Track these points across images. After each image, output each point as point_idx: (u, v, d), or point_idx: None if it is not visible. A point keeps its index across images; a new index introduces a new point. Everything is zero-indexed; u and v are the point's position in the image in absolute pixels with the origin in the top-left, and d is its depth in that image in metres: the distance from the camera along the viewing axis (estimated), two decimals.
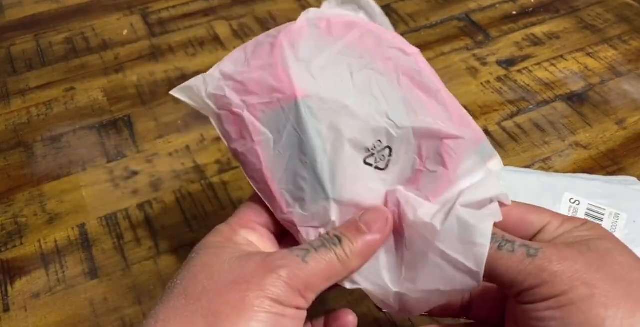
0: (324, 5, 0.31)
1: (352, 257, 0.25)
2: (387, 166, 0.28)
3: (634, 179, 0.44)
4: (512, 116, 0.52)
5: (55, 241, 0.43)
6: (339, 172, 0.27)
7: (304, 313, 0.25)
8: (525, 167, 0.47)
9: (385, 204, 0.27)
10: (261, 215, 0.28)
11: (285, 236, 0.29)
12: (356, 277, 0.27)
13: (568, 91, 0.54)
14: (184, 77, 0.57)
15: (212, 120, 0.30)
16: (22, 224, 0.44)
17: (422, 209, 0.26)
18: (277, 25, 0.62)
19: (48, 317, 0.39)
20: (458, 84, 0.55)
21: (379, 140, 0.28)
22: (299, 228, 0.27)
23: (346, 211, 0.27)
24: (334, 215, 0.27)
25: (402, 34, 0.61)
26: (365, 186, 0.27)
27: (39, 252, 0.42)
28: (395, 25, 0.62)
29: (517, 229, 0.26)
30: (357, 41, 0.29)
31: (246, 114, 0.28)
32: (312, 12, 0.30)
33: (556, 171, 0.46)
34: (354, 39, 0.29)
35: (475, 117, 0.51)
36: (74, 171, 0.48)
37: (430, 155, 0.27)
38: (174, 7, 0.66)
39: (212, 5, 0.66)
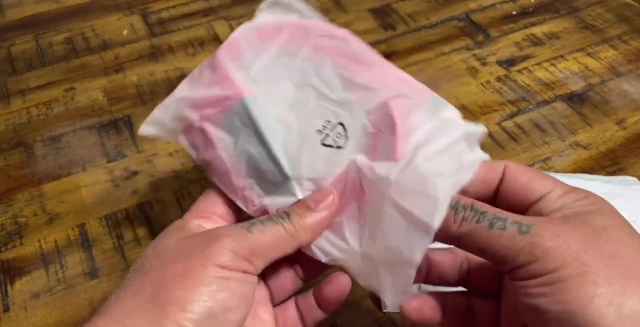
0: (257, 16, 0.33)
1: (300, 230, 0.27)
2: (346, 142, 0.29)
3: (634, 179, 0.44)
4: (512, 116, 0.52)
5: (55, 241, 0.43)
6: (297, 157, 0.29)
7: (254, 278, 0.26)
8: None
9: (347, 174, 0.28)
10: (214, 205, 0.30)
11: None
12: (327, 247, 0.28)
13: (568, 91, 0.54)
14: (184, 77, 0.57)
15: (182, 142, 0.32)
16: (22, 224, 0.44)
17: (379, 167, 0.27)
18: None
19: (48, 317, 0.39)
20: (458, 84, 0.55)
21: (328, 121, 0.29)
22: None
23: (308, 190, 0.29)
24: (299, 194, 0.29)
25: (402, 34, 0.61)
26: (329, 168, 0.29)
27: (38, 252, 0.42)
28: (395, 25, 0.62)
29: (520, 194, 0.26)
30: (288, 40, 0.32)
31: (206, 124, 0.31)
32: (242, 26, 0.32)
33: (556, 171, 0.46)
34: (284, 38, 0.32)
35: (475, 117, 0.51)
36: (74, 171, 0.48)
37: (379, 118, 0.28)
38: (174, 7, 0.66)
39: (212, 5, 0.66)
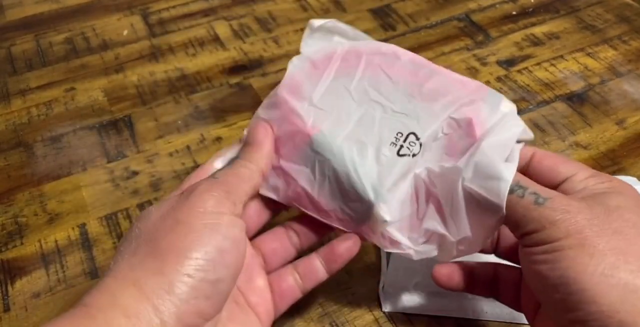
0: (302, 48, 0.34)
1: (254, 161, 0.30)
2: (420, 149, 0.30)
3: (634, 179, 0.44)
4: None
5: (56, 241, 0.43)
6: (376, 174, 0.30)
7: (239, 221, 0.27)
8: None
9: (418, 179, 0.30)
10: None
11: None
12: (419, 247, 0.30)
13: (568, 91, 0.54)
14: (184, 77, 0.57)
15: (260, 190, 0.33)
16: (22, 224, 0.44)
17: (447, 162, 0.29)
18: (277, 25, 0.63)
19: (49, 317, 0.39)
20: None
21: (399, 132, 0.30)
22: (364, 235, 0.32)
23: (396, 206, 0.30)
24: (387, 216, 0.30)
25: (402, 34, 0.61)
26: (407, 175, 0.30)
27: (39, 252, 0.42)
28: (395, 25, 0.62)
29: (546, 176, 0.28)
30: (341, 63, 0.33)
31: (283, 163, 0.32)
32: (295, 59, 0.33)
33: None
34: (338, 63, 0.33)
35: None
36: (74, 171, 0.48)
37: (449, 122, 0.30)
38: (174, 7, 0.66)
39: (212, 5, 0.66)
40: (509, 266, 0.32)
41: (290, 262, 0.33)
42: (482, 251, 0.32)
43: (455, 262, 0.32)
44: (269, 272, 0.33)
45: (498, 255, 0.33)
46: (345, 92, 0.32)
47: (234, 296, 0.30)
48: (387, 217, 0.30)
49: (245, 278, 0.31)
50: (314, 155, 0.31)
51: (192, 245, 0.25)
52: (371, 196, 0.30)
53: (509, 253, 0.32)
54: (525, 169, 0.29)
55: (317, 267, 0.32)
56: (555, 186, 0.28)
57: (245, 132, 0.33)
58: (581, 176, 0.27)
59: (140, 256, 0.25)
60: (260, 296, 0.31)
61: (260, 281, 0.32)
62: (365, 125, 0.31)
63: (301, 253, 0.34)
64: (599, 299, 0.22)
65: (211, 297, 0.25)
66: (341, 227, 0.32)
